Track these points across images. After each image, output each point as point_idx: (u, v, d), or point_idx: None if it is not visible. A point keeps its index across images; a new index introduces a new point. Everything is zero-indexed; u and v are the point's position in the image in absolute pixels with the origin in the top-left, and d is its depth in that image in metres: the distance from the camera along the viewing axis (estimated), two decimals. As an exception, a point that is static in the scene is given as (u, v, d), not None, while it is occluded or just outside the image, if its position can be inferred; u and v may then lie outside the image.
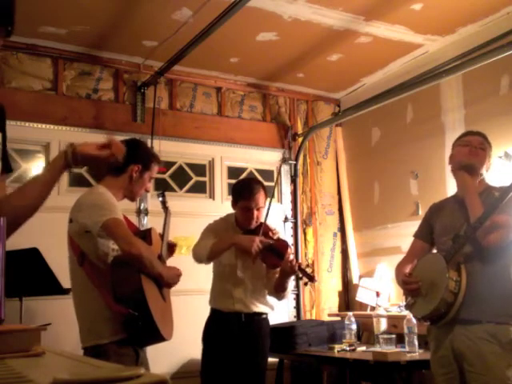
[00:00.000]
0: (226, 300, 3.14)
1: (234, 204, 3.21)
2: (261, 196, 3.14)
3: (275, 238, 3.15)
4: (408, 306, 2.72)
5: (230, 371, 3.10)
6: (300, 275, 3.08)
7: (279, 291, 3.15)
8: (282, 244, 3.12)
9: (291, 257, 3.02)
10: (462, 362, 2.44)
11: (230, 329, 3.11)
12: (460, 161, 2.65)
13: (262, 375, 3.17)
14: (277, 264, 3.09)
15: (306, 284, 3.11)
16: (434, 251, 2.76)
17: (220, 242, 3.07)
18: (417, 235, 2.83)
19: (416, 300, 2.60)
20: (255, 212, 3.12)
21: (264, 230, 3.12)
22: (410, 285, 2.56)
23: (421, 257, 2.74)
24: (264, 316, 3.21)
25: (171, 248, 2.73)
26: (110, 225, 2.30)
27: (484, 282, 2.44)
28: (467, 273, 2.45)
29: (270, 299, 3.23)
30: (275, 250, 3.08)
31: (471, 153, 2.62)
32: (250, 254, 3.00)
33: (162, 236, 2.66)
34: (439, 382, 2.55)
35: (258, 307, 3.16)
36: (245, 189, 3.18)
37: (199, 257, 3.08)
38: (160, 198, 3.01)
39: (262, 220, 3.16)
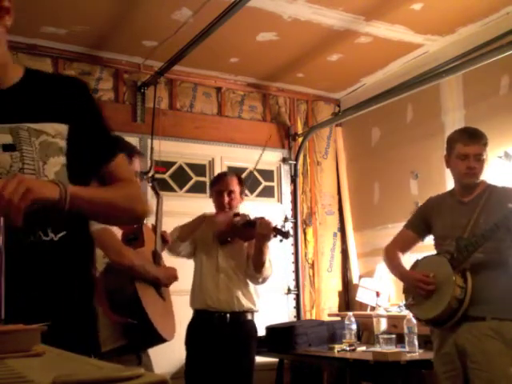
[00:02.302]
0: (210, 292, 3.11)
1: (212, 195, 3.36)
2: (232, 180, 3.25)
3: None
4: (408, 306, 2.72)
5: (216, 377, 3.07)
6: (274, 234, 3.08)
7: (258, 265, 3.10)
8: (257, 217, 3.14)
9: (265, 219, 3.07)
10: (466, 360, 2.44)
11: (215, 333, 3.08)
12: (457, 178, 2.65)
13: (250, 380, 3.15)
14: (253, 233, 3.10)
15: (281, 241, 3.11)
16: (432, 251, 2.76)
17: (189, 222, 3.22)
18: (409, 226, 2.80)
19: (417, 300, 2.59)
20: (225, 196, 3.20)
21: (237, 214, 3.22)
22: (428, 285, 2.53)
23: (408, 246, 2.75)
24: (249, 317, 3.18)
25: (165, 238, 2.70)
26: (99, 236, 2.27)
27: (489, 283, 2.44)
28: (473, 278, 2.44)
29: (254, 293, 3.21)
30: (251, 223, 3.11)
31: (468, 174, 2.57)
32: (222, 226, 3.13)
33: (154, 228, 2.64)
34: (442, 379, 2.55)
35: (243, 300, 3.13)
36: (217, 176, 3.44)
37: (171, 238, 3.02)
38: (150, 184, 2.99)
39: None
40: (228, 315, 3.10)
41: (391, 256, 2.79)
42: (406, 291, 2.73)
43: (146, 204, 1.46)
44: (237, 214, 3.21)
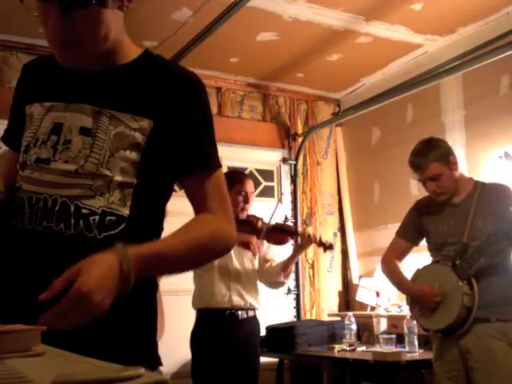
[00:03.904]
0: (221, 293, 3.11)
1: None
2: (251, 182, 3.28)
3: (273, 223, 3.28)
4: (415, 317, 2.71)
5: (225, 375, 3.08)
6: (318, 246, 3.24)
7: (288, 272, 3.22)
8: (286, 224, 3.27)
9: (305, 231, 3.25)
10: (468, 360, 2.43)
11: (225, 331, 3.09)
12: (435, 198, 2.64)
13: (257, 377, 3.18)
14: (284, 240, 3.20)
15: (324, 251, 3.27)
16: (425, 252, 2.74)
17: None
18: (402, 235, 2.78)
19: (424, 312, 2.58)
20: (250, 198, 3.21)
21: (257, 218, 3.23)
22: (435, 297, 2.52)
23: (403, 255, 2.74)
24: (253, 314, 3.21)
25: None
26: None
27: (492, 286, 2.43)
28: (477, 283, 2.44)
29: (258, 291, 3.25)
30: (279, 229, 3.21)
31: (435, 195, 2.59)
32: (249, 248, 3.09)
33: None
34: (442, 379, 2.54)
35: (251, 298, 3.16)
36: (236, 174, 3.34)
37: None
38: None
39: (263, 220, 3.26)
40: (239, 312, 3.12)
41: (391, 269, 2.77)
42: (411, 303, 2.71)
43: (231, 237, 1.23)
44: (256, 218, 3.24)
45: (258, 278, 3.25)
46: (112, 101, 1.20)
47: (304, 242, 3.16)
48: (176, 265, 1.17)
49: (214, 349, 3.08)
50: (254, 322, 3.20)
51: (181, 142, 1.21)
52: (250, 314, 3.17)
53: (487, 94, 3.95)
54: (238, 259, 3.16)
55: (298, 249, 3.21)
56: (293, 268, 3.26)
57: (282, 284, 3.27)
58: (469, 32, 4.04)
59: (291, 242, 3.31)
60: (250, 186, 3.24)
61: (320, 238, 3.24)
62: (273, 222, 3.27)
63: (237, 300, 3.11)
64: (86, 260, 1.00)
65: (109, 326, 1.12)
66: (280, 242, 3.22)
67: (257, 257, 3.23)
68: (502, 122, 3.77)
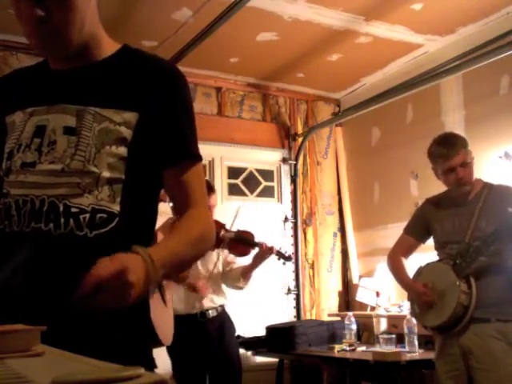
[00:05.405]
0: (192, 299, 3.17)
1: None
2: (215, 196, 3.36)
3: (235, 231, 3.29)
4: (414, 314, 2.73)
5: (206, 372, 3.17)
6: (277, 257, 3.35)
7: (248, 278, 3.30)
8: (247, 232, 3.31)
9: (265, 242, 3.28)
10: (470, 360, 2.44)
11: (197, 330, 3.14)
12: (451, 188, 2.62)
13: (240, 367, 3.27)
14: (246, 251, 3.26)
15: (284, 264, 3.44)
16: (432, 251, 2.75)
17: None
18: (409, 232, 2.80)
19: (423, 309, 2.60)
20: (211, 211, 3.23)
21: (220, 225, 3.25)
22: (428, 297, 2.54)
23: (409, 251, 2.76)
24: (223, 309, 3.29)
25: None
26: None
27: (492, 286, 2.44)
28: (476, 282, 2.44)
29: (223, 288, 3.35)
30: (241, 239, 3.24)
31: (459, 184, 2.55)
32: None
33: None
34: (444, 379, 2.55)
35: (220, 298, 3.27)
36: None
37: None
38: None
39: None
40: (209, 312, 3.20)
41: (395, 265, 2.79)
42: (411, 300, 2.75)
43: (213, 228, 1.28)
44: (219, 225, 3.24)
45: (220, 278, 3.34)
46: (94, 98, 1.20)
47: (263, 253, 3.24)
48: (185, 263, 1.20)
49: (191, 350, 3.15)
50: (224, 315, 3.28)
51: (165, 134, 1.21)
52: (220, 309, 3.26)
53: (487, 94, 3.95)
54: (204, 266, 3.24)
55: (258, 260, 3.26)
56: (252, 274, 3.32)
57: (241, 288, 3.35)
58: (469, 32, 4.04)
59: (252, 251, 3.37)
60: (214, 200, 3.28)
61: (279, 250, 3.36)
62: (234, 229, 3.29)
63: (208, 305, 3.20)
64: (126, 256, 1.01)
65: (106, 328, 1.12)
66: (242, 253, 3.28)
67: (220, 258, 3.30)
68: (502, 121, 3.77)
